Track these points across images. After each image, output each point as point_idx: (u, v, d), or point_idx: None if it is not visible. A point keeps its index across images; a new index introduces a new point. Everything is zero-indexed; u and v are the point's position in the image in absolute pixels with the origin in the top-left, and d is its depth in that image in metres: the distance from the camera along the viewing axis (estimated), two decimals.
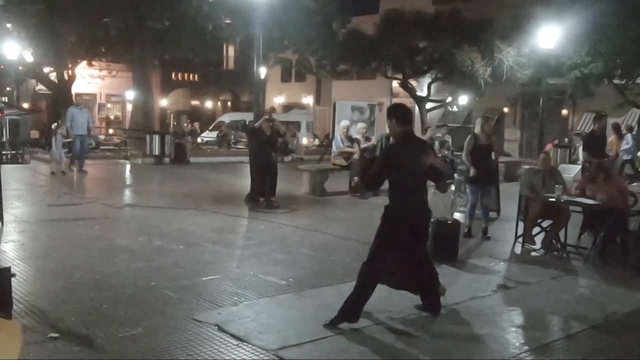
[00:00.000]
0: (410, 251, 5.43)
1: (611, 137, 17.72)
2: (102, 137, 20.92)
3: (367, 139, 13.97)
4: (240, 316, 5.34)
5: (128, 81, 28.84)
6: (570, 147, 22.15)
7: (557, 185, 8.27)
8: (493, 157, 9.47)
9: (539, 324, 5.56)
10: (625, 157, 16.83)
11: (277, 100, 41.71)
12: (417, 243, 5.44)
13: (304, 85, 40.52)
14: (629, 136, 17.26)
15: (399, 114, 5.41)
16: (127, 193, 13.59)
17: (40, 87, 30.09)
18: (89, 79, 31.74)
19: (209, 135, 32.39)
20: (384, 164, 5.38)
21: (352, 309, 5.17)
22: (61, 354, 4.42)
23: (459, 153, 9.35)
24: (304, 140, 28.83)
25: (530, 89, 22.89)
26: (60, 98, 26.94)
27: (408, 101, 25.42)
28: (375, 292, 5.38)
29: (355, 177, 12.89)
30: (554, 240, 8.43)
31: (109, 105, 37.49)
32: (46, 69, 26.93)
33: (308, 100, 41.28)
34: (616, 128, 17.52)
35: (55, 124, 24.08)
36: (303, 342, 4.78)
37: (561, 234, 8.40)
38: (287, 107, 40.41)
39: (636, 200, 8.69)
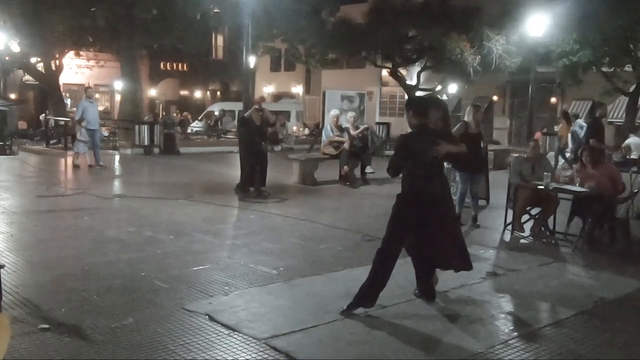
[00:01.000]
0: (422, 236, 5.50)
1: (560, 125, 18.04)
2: (105, 133, 20.40)
3: (357, 128, 13.97)
4: (231, 305, 5.34)
5: (116, 71, 28.60)
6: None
7: (545, 173, 8.31)
8: (482, 146, 9.52)
9: (528, 310, 5.61)
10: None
11: (266, 89, 41.63)
12: (428, 232, 5.47)
13: (294, 75, 40.44)
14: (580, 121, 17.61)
15: (415, 107, 5.57)
16: (117, 184, 13.54)
17: (28, 78, 29.83)
18: (76, 69, 31.45)
19: (197, 125, 32.30)
20: (401, 154, 5.51)
21: (367, 294, 5.26)
22: (52, 345, 4.41)
23: None
24: (294, 130, 28.80)
25: (519, 77, 22.92)
26: (48, 88, 26.76)
27: (398, 90, 25.44)
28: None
29: (345, 166, 13.08)
30: (542, 228, 8.49)
31: (97, 96, 37.13)
32: (33, 59, 26.67)
33: (298, 89, 41.23)
34: (565, 115, 17.81)
35: (43, 114, 23.92)
36: (294, 331, 4.79)
37: (550, 221, 8.46)
38: (277, 97, 40.35)
39: (624, 187, 8.75)
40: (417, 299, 5.64)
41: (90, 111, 15.13)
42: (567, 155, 17.17)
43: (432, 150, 5.30)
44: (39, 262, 6.57)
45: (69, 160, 15.83)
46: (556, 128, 19.80)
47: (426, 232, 5.43)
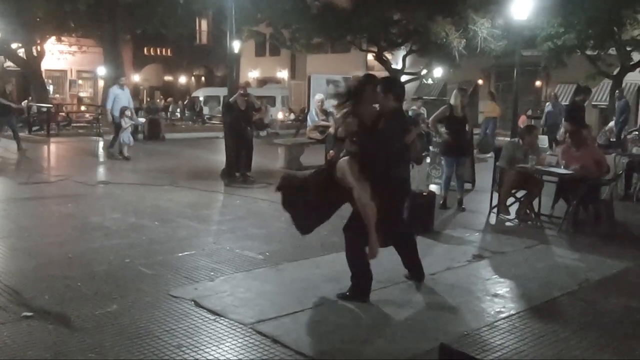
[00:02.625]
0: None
1: (489, 103, 18.34)
2: (142, 119, 18.82)
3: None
4: (217, 291, 5.31)
5: (99, 57, 28.32)
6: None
7: (530, 156, 8.33)
8: (467, 129, 9.53)
9: (513, 292, 5.63)
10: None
11: (251, 74, 41.38)
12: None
13: (279, 60, 40.21)
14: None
15: (394, 90, 5.33)
16: (101, 170, 13.43)
17: (9, 64, 29.39)
18: (58, 55, 31.07)
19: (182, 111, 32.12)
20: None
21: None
22: (35, 333, 4.36)
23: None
24: (280, 115, 28.68)
25: (504, 60, 22.91)
26: (30, 75, 26.42)
27: (383, 74, 25.36)
28: None
29: (331, 151, 12.99)
30: (527, 210, 8.52)
31: (80, 82, 36.83)
32: (14, 45, 26.28)
33: (283, 74, 41.03)
34: (492, 95, 18.20)
35: (25, 101, 23.62)
36: (280, 316, 4.78)
37: (535, 203, 8.49)
38: (262, 82, 40.10)
39: (609, 169, 8.80)
40: (405, 281, 5.64)
41: (122, 98, 14.42)
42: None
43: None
44: (22, 249, 6.49)
45: (52, 147, 15.65)
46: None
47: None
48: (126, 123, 14.20)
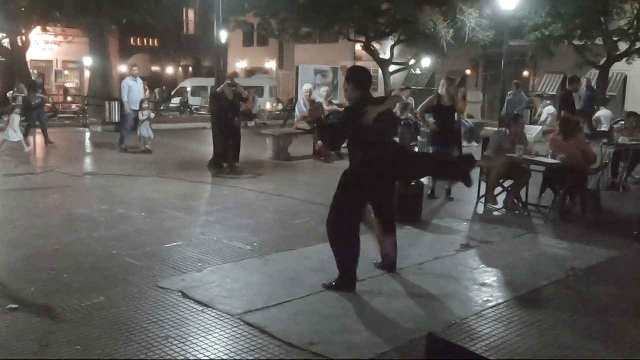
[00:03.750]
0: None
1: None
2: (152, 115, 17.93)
3: (330, 103, 13.90)
4: (205, 282, 5.29)
5: (85, 47, 28.01)
6: (531, 108, 22.44)
7: (518, 145, 8.35)
8: (456, 119, 9.52)
9: (501, 281, 5.65)
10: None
11: (239, 65, 41.19)
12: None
13: (267, 50, 40.06)
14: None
15: (353, 79, 5.25)
16: (87, 161, 13.34)
17: None
18: (44, 45, 30.72)
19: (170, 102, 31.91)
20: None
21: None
22: (21, 325, 4.32)
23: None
24: (268, 106, 28.58)
25: (492, 51, 23.01)
26: (15, 65, 26.12)
27: (371, 64, 25.33)
28: None
29: (319, 141, 13.00)
30: (515, 200, 8.55)
31: (66, 73, 36.49)
32: None
33: (271, 64, 40.88)
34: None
35: (11, 92, 23.36)
36: (268, 306, 4.76)
37: (522, 193, 8.52)
38: (250, 72, 39.96)
39: (596, 158, 8.84)
40: (391, 272, 5.65)
41: (136, 90, 14.08)
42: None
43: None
44: (7, 241, 6.44)
45: (38, 138, 15.48)
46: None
47: None
48: (144, 116, 13.78)
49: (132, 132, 14.16)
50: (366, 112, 5.05)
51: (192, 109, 29.62)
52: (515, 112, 16.90)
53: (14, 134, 13.43)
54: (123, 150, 13.87)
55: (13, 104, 14.67)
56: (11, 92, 23.26)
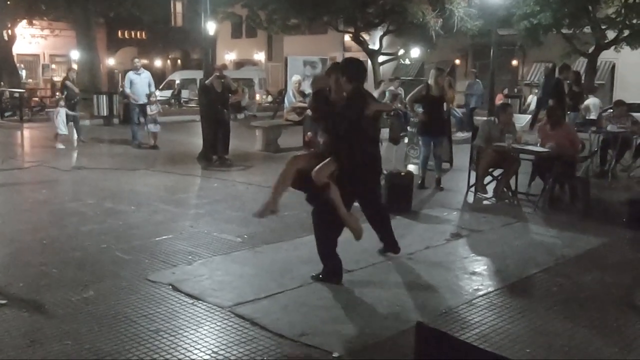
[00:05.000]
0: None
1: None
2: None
3: None
4: (195, 275, 5.28)
5: (72, 40, 27.73)
6: (520, 97, 22.50)
7: (507, 135, 8.37)
8: (445, 109, 9.53)
9: (491, 269, 5.67)
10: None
11: (228, 57, 41.01)
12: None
13: (255, 41, 39.87)
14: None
15: (346, 72, 5.18)
16: (75, 155, 13.23)
17: None
18: (30, 39, 30.50)
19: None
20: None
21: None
22: (10, 321, 4.29)
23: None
24: (257, 97, 28.49)
25: (481, 40, 22.98)
26: (1, 59, 25.87)
27: (360, 55, 25.26)
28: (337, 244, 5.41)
29: (309, 133, 12.96)
30: (505, 189, 8.56)
31: (53, 66, 36.23)
32: None
33: (260, 56, 40.72)
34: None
35: None
36: (259, 298, 4.76)
37: (512, 182, 8.54)
38: (239, 64, 39.79)
39: (584, 146, 8.87)
40: (383, 261, 5.66)
41: (138, 84, 13.62)
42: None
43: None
44: None
45: (26, 132, 15.38)
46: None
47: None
48: (152, 110, 13.46)
49: (141, 126, 13.83)
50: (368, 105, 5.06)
51: (182, 101, 29.48)
52: (471, 106, 17.01)
53: (63, 126, 13.42)
54: (137, 146, 13.54)
55: (57, 96, 14.32)
56: None
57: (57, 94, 14.09)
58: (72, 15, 24.35)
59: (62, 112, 13.49)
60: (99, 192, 8.68)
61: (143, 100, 13.54)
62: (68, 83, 14.46)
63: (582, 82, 15.27)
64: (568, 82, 13.19)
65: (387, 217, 5.88)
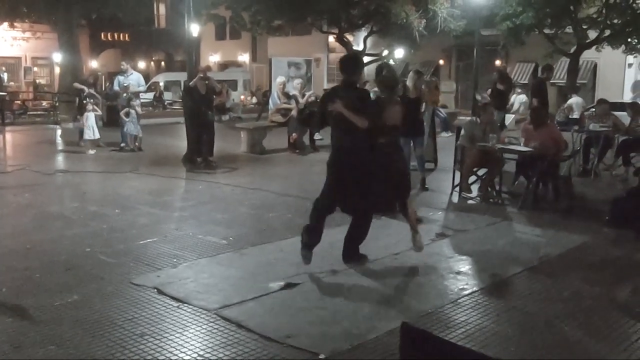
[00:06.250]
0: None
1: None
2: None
3: (304, 95, 13.86)
4: (180, 277, 5.26)
5: (54, 43, 27.53)
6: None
7: (491, 134, 8.42)
8: (423, 110, 9.59)
9: (476, 269, 5.70)
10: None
11: (212, 58, 40.88)
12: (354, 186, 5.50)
13: (240, 43, 39.76)
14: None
15: (340, 66, 5.71)
16: (59, 159, 13.11)
17: None
18: (12, 41, 30.18)
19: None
20: (320, 107, 5.88)
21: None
22: None
23: None
24: (242, 99, 28.44)
25: (464, 40, 23.08)
26: None
27: None
28: (317, 247, 5.42)
29: (293, 134, 12.98)
30: (489, 188, 8.62)
31: (35, 69, 35.87)
32: None
33: (244, 57, 40.61)
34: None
35: None
36: (245, 300, 4.75)
37: (496, 181, 8.59)
38: (223, 66, 39.66)
39: (566, 146, 8.95)
40: (368, 263, 5.67)
41: (125, 86, 13.42)
42: None
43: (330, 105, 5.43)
44: None
45: (8, 136, 15.21)
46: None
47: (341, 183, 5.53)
48: (131, 116, 13.25)
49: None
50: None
51: (165, 103, 29.35)
52: None
53: (90, 131, 13.22)
54: (124, 148, 13.41)
55: (85, 101, 13.85)
56: None
57: (87, 98, 13.61)
58: (54, 18, 24.17)
59: (91, 117, 13.30)
60: (83, 196, 8.62)
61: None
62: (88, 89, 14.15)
63: (510, 79, 15.39)
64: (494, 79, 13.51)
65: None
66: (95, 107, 13.49)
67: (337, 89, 5.71)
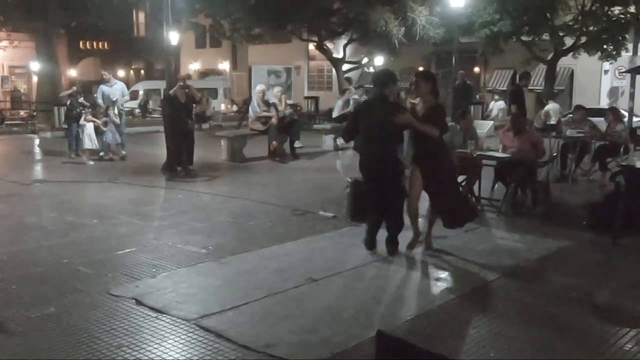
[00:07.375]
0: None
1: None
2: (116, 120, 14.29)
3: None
4: (159, 288, 5.22)
5: (32, 51, 27.29)
6: (482, 104, 22.83)
7: (469, 140, 8.48)
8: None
9: (455, 275, 5.73)
10: None
11: (192, 66, 40.80)
12: (381, 190, 6.15)
13: (220, 51, 39.73)
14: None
15: (372, 80, 6.43)
16: (37, 168, 13.00)
17: None
18: None
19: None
20: (352, 118, 6.48)
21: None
22: None
23: None
24: (222, 107, 28.37)
25: (443, 47, 23.28)
26: None
27: (325, 64, 25.38)
28: (297, 255, 5.41)
29: (274, 142, 12.98)
30: (468, 194, 8.65)
31: (13, 78, 35.54)
32: None
33: (224, 65, 40.57)
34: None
35: None
36: (224, 310, 4.72)
37: (475, 187, 8.64)
38: (204, 74, 39.58)
39: (544, 151, 9.03)
40: (348, 270, 5.67)
41: (110, 95, 13.19)
42: None
43: (388, 117, 5.80)
44: None
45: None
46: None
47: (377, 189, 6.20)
48: (109, 124, 13.06)
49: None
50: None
51: (148, 112, 29.20)
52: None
53: (89, 141, 13.04)
54: (104, 158, 13.21)
55: (82, 110, 13.56)
56: None
57: (84, 108, 13.35)
58: (31, 26, 23.95)
59: (89, 127, 13.11)
60: (61, 206, 8.53)
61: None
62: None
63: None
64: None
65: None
66: (92, 118, 13.26)
67: (371, 101, 6.38)
